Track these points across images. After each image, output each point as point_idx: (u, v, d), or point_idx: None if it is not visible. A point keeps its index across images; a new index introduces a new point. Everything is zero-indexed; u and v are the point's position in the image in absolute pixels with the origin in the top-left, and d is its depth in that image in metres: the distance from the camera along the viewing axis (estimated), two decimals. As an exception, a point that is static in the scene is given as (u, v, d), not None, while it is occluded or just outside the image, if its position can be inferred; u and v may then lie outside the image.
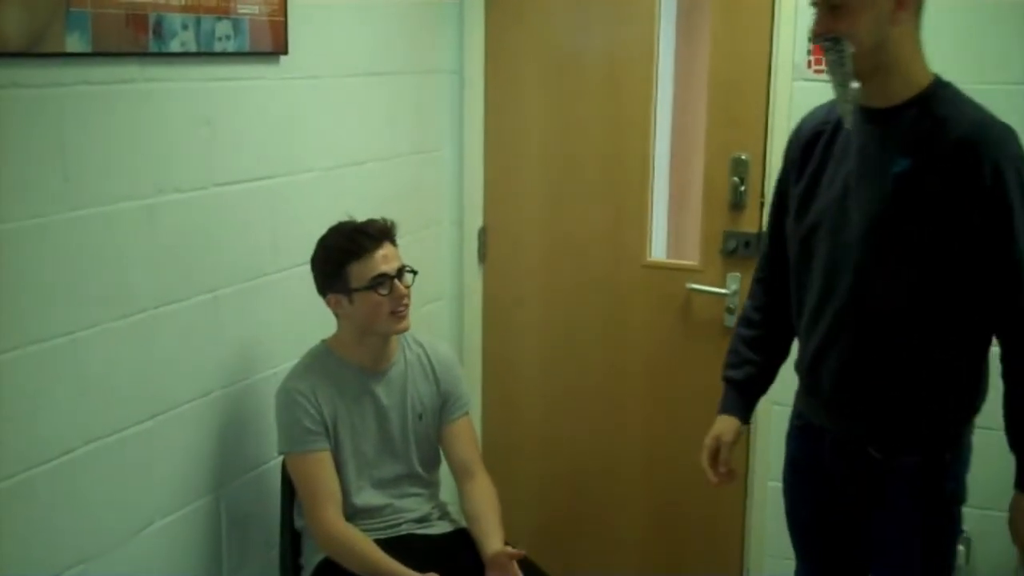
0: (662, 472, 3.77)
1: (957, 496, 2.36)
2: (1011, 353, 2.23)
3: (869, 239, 2.25)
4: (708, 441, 2.63)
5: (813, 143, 2.41)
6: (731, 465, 2.63)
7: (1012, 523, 2.32)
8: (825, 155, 2.37)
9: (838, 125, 2.34)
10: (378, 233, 2.73)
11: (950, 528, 2.37)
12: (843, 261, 2.30)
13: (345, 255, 2.69)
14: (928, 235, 2.18)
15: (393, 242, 2.76)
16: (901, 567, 2.39)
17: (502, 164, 3.83)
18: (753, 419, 3.54)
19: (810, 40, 2.28)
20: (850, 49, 2.16)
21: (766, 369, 2.62)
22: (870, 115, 2.27)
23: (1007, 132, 2.19)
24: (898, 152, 2.22)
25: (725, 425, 2.62)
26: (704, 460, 2.63)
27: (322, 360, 2.78)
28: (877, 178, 2.24)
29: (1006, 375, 2.25)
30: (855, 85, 2.21)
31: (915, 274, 2.22)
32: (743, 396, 2.64)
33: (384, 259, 2.71)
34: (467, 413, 2.97)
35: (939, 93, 2.23)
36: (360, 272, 2.68)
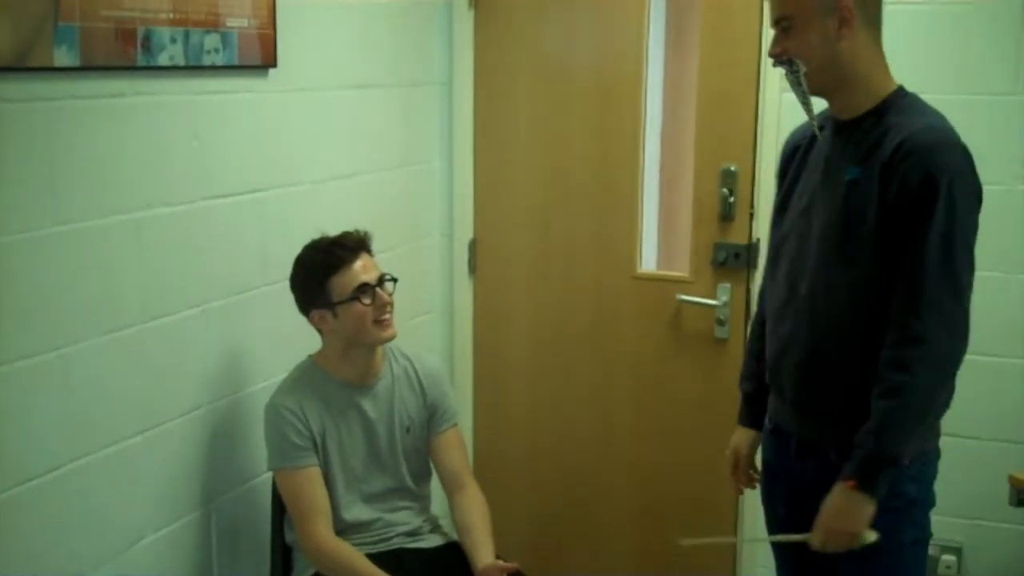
0: (652, 482, 3.77)
1: (918, 500, 2.34)
2: (887, 347, 2.21)
3: (823, 245, 2.33)
4: (728, 454, 2.72)
5: (792, 156, 2.52)
6: (752, 472, 2.71)
7: (824, 514, 2.28)
8: (800, 167, 2.47)
9: (815, 137, 2.43)
10: (354, 244, 2.74)
11: (911, 532, 2.34)
12: (802, 267, 2.38)
13: (324, 270, 2.70)
14: (870, 238, 2.23)
15: (369, 252, 2.77)
16: (863, 572, 2.37)
17: (492, 176, 3.83)
18: None
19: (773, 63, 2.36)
20: (803, 68, 2.27)
21: None
22: (837, 127, 2.36)
23: (947, 142, 2.21)
24: (852, 161, 2.29)
25: (741, 436, 2.71)
26: (727, 471, 2.73)
27: (309, 375, 2.78)
28: (834, 187, 2.31)
29: (879, 366, 2.22)
30: (813, 101, 2.34)
31: (862, 279, 2.26)
32: (754, 406, 2.68)
33: (363, 269, 2.71)
34: (456, 425, 2.96)
35: (896, 103, 2.29)
36: (341, 284, 2.69)
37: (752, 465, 2.71)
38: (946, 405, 2.35)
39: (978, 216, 2.25)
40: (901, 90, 2.33)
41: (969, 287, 2.22)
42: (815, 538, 2.30)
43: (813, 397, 2.40)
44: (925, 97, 2.35)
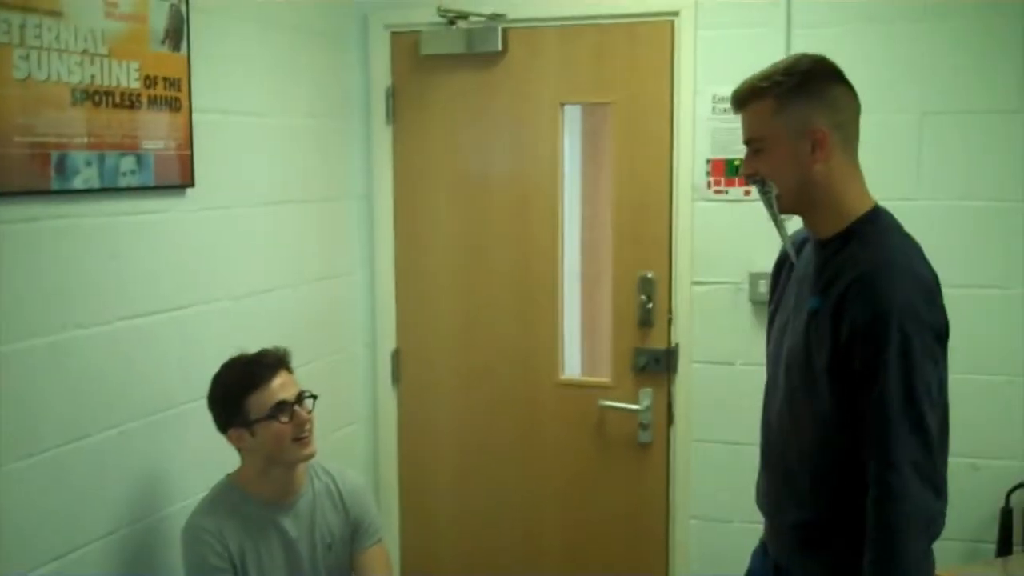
0: (581, 589, 3.76)
1: None
2: (870, 506, 2.09)
3: (787, 373, 2.26)
4: None
5: (780, 268, 2.44)
6: None
7: None
8: (786, 281, 2.38)
9: (799, 252, 2.35)
10: (273, 362, 2.72)
11: None
12: (774, 394, 2.33)
13: (242, 388, 2.67)
14: (825, 375, 2.14)
15: (289, 369, 2.76)
16: None
17: (414, 286, 3.86)
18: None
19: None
20: (775, 190, 2.19)
21: None
22: (815, 245, 2.27)
23: (901, 276, 2.10)
24: (814, 289, 2.20)
25: None
26: None
27: (226, 495, 2.74)
28: (800, 315, 2.24)
29: (867, 524, 2.10)
30: (788, 220, 2.26)
31: (820, 411, 2.17)
32: None
33: (282, 387, 2.69)
34: (380, 540, 2.93)
35: (863, 229, 2.19)
36: (259, 402, 2.66)
37: None
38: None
39: (939, 351, 2.12)
40: (873, 212, 2.22)
41: (935, 434, 2.08)
42: None
43: (780, 526, 2.35)
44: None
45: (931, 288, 2.14)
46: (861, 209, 2.21)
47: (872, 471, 2.07)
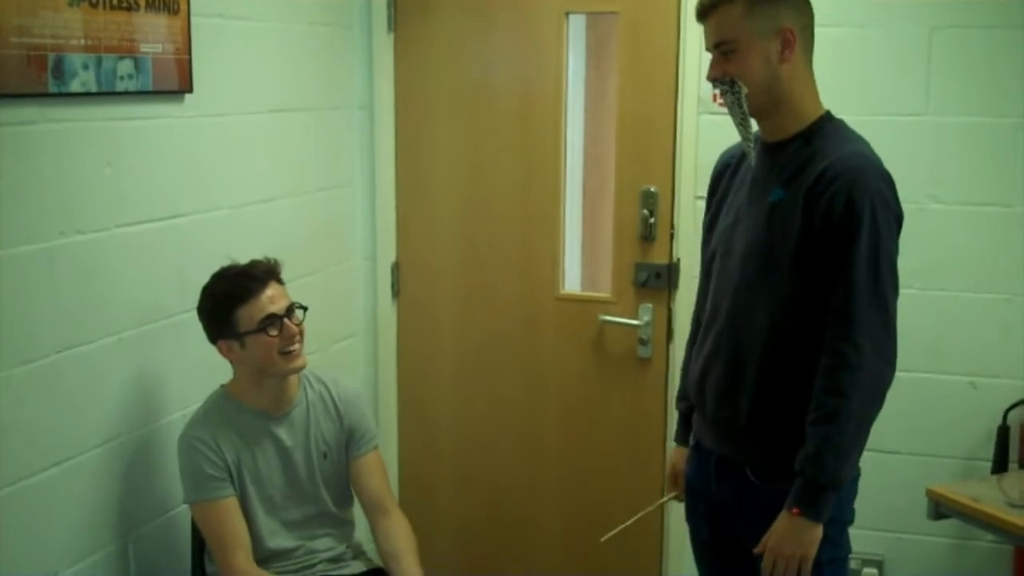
0: (579, 503, 3.78)
1: (834, 519, 2.33)
2: (822, 373, 2.24)
3: (744, 263, 2.37)
4: (667, 471, 2.78)
5: (722, 175, 2.56)
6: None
7: (772, 539, 2.30)
8: (728, 186, 2.51)
9: (743, 158, 2.46)
10: (263, 274, 2.69)
11: (828, 550, 2.33)
12: (725, 284, 2.43)
13: (232, 300, 2.65)
14: (790, 260, 2.28)
15: (279, 281, 2.72)
16: None
17: (414, 198, 3.83)
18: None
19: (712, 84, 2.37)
20: (744, 90, 2.30)
21: None
22: (766, 148, 2.40)
23: (870, 168, 2.26)
24: (776, 182, 2.33)
25: (677, 455, 2.74)
26: (665, 485, 2.83)
27: (221, 406, 2.74)
28: (758, 208, 2.36)
29: (814, 391, 2.26)
30: (752, 122, 2.36)
31: (781, 299, 2.31)
32: (690, 425, 2.69)
33: (271, 300, 2.66)
34: (376, 448, 2.93)
35: (823, 127, 2.35)
36: (248, 315, 2.64)
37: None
38: None
39: (898, 239, 2.29)
40: (828, 115, 2.38)
41: (895, 311, 2.26)
42: (765, 562, 2.31)
43: (731, 414, 2.42)
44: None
45: (892, 179, 2.29)
46: (817, 112, 2.37)
47: (829, 340, 2.24)
